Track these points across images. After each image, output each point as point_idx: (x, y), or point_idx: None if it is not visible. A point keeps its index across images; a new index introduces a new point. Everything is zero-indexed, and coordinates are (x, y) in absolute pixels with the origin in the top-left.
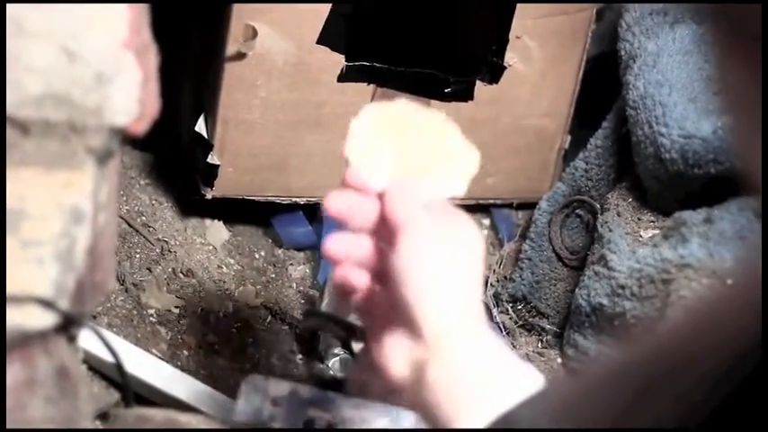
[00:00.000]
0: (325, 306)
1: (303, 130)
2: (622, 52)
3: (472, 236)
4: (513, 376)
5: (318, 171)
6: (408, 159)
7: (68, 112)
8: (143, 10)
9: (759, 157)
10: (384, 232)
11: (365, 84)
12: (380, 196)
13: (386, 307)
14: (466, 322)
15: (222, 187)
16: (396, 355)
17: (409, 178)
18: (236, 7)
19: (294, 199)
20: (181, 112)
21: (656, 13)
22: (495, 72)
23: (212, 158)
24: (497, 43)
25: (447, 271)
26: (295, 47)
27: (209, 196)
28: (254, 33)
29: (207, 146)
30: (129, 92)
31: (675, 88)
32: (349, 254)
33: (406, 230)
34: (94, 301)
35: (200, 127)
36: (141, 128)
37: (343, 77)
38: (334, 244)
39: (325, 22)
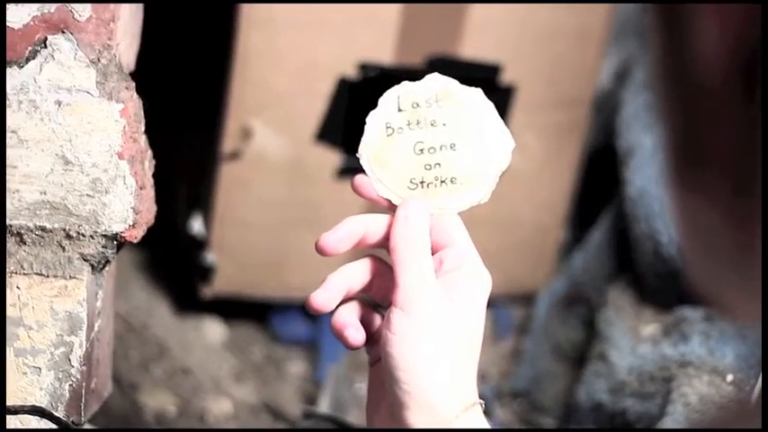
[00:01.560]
0: (324, 404)
1: (300, 228)
2: (619, 147)
3: (475, 300)
4: None
5: (316, 268)
6: (430, 157)
7: (63, 219)
8: (139, 117)
9: (731, 295)
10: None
11: None
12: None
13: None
14: (460, 407)
15: (219, 285)
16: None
17: (428, 186)
18: (232, 106)
19: (292, 295)
20: (178, 212)
21: (653, 107)
22: None
23: (209, 257)
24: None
25: (443, 354)
26: (291, 145)
27: (206, 294)
28: (250, 132)
29: (203, 244)
30: (124, 199)
31: None
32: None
33: (401, 301)
34: (92, 408)
35: (197, 226)
36: (136, 235)
37: (340, 175)
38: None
39: (322, 120)
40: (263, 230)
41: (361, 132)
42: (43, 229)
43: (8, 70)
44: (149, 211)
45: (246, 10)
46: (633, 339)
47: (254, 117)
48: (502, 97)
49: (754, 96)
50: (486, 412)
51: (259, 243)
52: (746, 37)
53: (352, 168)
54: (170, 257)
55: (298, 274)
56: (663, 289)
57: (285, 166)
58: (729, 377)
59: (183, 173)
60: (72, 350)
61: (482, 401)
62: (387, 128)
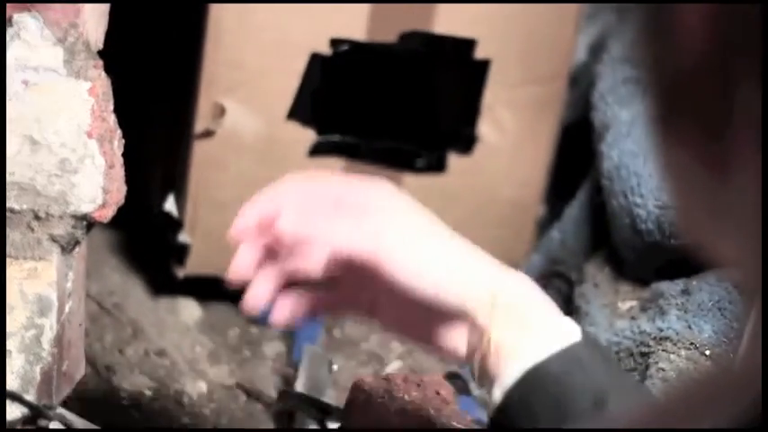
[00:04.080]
0: (301, 384)
1: None
2: (595, 121)
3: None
4: (552, 324)
5: None
6: None
7: (32, 200)
8: (107, 96)
9: (713, 238)
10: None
11: (336, 158)
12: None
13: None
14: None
15: (194, 265)
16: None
17: None
18: (204, 84)
19: None
20: (150, 192)
21: (629, 81)
22: (467, 143)
23: (183, 237)
24: (469, 113)
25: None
26: (264, 123)
27: (180, 275)
28: (223, 111)
29: (177, 225)
30: (92, 179)
31: (650, 158)
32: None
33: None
34: (64, 391)
35: (170, 206)
36: (106, 215)
37: (313, 152)
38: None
39: (295, 97)
40: (238, 209)
41: (333, 108)
42: (12, 210)
43: None
44: (119, 191)
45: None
46: (611, 315)
47: (227, 95)
48: (476, 72)
49: (729, 44)
50: (466, 390)
51: (233, 222)
52: None
53: (325, 144)
54: (144, 238)
55: None
56: (640, 264)
57: (259, 144)
58: (707, 352)
59: (155, 152)
60: (42, 333)
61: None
62: None
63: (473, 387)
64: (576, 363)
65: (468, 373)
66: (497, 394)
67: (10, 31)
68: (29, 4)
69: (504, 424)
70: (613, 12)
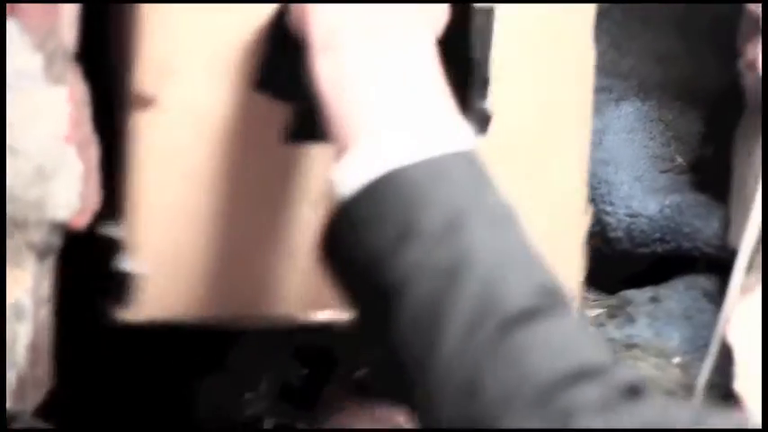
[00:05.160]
0: None
1: (250, 220)
2: None
3: None
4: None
5: (281, 275)
6: None
7: (10, 207)
8: (84, 103)
9: None
10: None
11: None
12: None
13: None
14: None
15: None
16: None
17: None
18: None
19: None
20: None
21: (600, 89)
22: (481, 120)
23: (125, 263)
24: (479, 84)
25: None
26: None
27: (121, 319)
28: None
29: (114, 246)
30: (70, 186)
31: (621, 166)
32: None
33: None
34: (36, 398)
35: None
36: (82, 222)
37: (289, 139)
38: None
39: (259, 62)
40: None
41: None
42: None
43: None
44: (94, 199)
45: None
46: None
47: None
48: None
49: None
50: None
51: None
52: None
53: (305, 130)
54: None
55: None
56: (608, 272)
57: (220, 127)
58: (676, 359)
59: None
60: (17, 339)
61: None
62: None
63: None
64: (443, 176)
65: None
66: (348, 182)
67: None
68: (8, 9)
69: (343, 219)
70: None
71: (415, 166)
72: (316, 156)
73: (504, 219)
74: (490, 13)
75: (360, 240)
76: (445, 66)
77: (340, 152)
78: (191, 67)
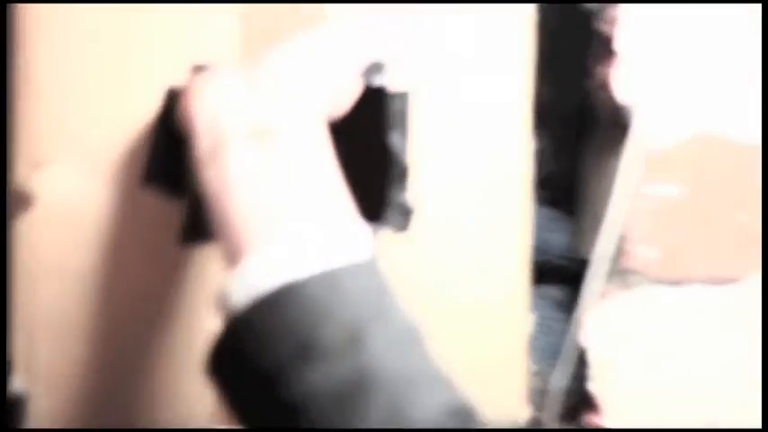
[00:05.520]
0: None
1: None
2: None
3: None
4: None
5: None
6: None
7: None
8: None
9: None
10: None
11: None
12: None
13: None
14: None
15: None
16: None
17: None
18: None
19: None
20: None
21: None
22: (402, 215)
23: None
24: (398, 176)
25: None
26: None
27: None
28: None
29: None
30: None
31: None
32: None
33: None
34: None
35: None
36: None
37: (183, 239)
38: None
39: (147, 154)
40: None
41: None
42: None
43: None
44: None
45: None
46: None
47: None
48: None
49: None
50: None
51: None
52: None
53: (200, 230)
54: None
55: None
56: None
57: (102, 226)
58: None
59: None
60: None
61: None
62: None
63: None
64: (340, 290)
65: None
66: (240, 294)
67: None
68: None
69: (235, 333)
70: None
71: (312, 280)
72: (214, 256)
73: (408, 334)
74: (405, 97)
75: (253, 356)
76: (361, 154)
77: (231, 260)
78: (67, 160)
